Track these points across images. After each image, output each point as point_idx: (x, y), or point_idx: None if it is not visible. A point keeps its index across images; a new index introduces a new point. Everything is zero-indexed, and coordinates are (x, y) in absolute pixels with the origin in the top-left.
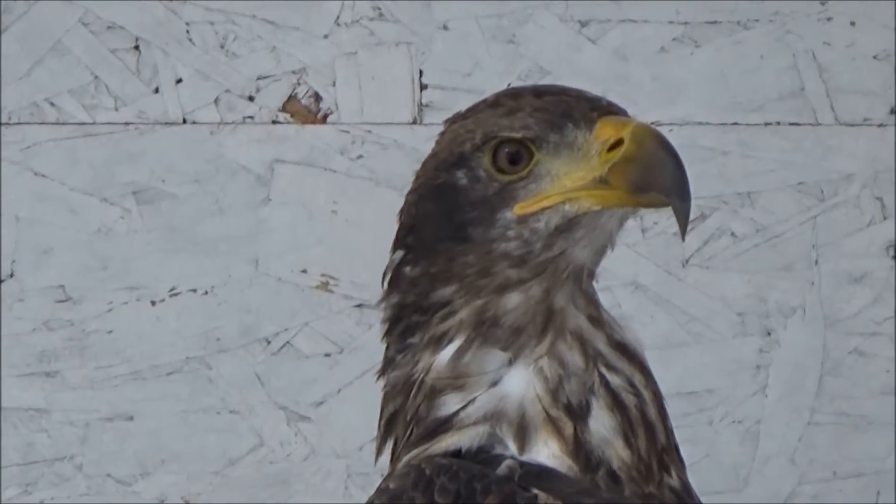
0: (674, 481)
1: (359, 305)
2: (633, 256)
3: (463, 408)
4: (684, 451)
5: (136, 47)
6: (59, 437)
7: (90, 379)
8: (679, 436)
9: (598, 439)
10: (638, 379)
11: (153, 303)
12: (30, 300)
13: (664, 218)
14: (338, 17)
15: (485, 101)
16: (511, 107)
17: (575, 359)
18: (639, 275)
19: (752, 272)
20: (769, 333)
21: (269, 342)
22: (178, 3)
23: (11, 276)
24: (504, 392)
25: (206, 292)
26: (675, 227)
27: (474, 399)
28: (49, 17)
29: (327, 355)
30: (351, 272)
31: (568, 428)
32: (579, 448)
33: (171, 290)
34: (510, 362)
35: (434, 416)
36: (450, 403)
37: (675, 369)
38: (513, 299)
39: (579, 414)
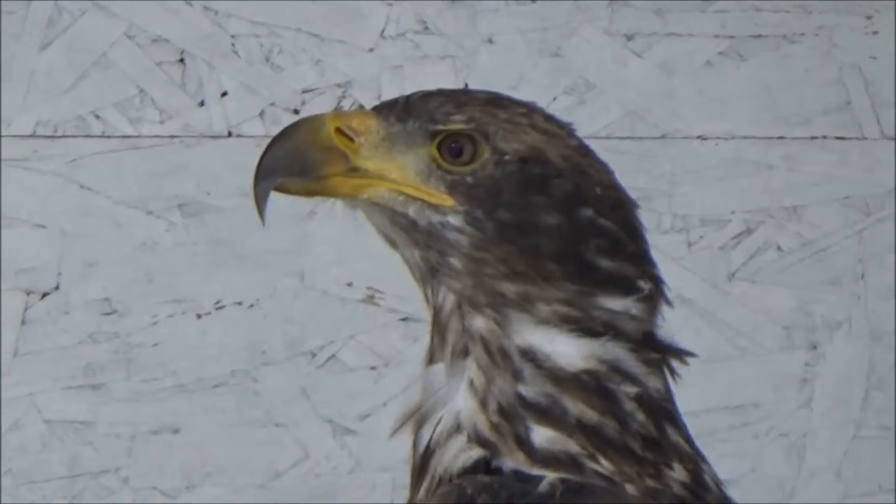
0: (678, 475)
1: (404, 319)
2: (679, 270)
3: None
4: (729, 465)
5: (182, 60)
6: (104, 450)
7: (136, 392)
8: (724, 449)
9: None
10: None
11: (199, 316)
12: (75, 313)
13: (711, 232)
14: (383, 31)
15: None
16: None
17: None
18: (684, 289)
19: (798, 286)
20: (815, 347)
21: (314, 355)
22: (223, 16)
23: (57, 288)
24: (456, 408)
25: (252, 305)
26: (721, 242)
27: (440, 420)
28: (94, 30)
29: (373, 368)
30: (397, 285)
31: (510, 432)
32: (533, 451)
33: (217, 303)
34: (448, 375)
35: (417, 454)
36: (424, 436)
37: (721, 383)
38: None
39: (515, 415)
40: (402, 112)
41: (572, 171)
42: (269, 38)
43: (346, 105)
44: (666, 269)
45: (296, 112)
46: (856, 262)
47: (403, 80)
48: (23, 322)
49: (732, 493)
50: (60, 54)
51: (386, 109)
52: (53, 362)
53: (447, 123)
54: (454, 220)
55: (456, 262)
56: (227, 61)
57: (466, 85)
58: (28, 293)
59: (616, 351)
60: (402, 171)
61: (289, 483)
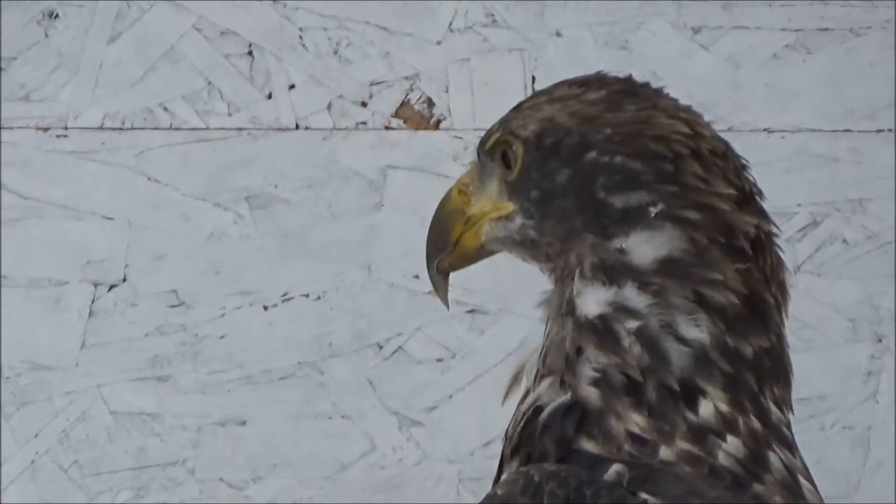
0: (730, 447)
1: (471, 311)
2: None
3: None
4: None
5: (250, 53)
6: (171, 442)
7: (203, 383)
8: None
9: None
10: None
11: (265, 308)
12: (142, 305)
13: (777, 224)
14: (451, 23)
15: None
16: None
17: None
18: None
19: (864, 279)
20: (881, 340)
21: (381, 347)
22: (291, 9)
23: (124, 280)
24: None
25: (319, 297)
26: (788, 234)
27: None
28: (162, 23)
29: (439, 360)
30: (463, 278)
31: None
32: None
33: (284, 295)
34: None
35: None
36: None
37: None
38: None
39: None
40: (480, 146)
41: (579, 123)
42: (337, 30)
43: (414, 98)
44: None
45: (363, 105)
46: None
47: (471, 73)
48: (90, 314)
49: None
50: (129, 47)
51: (478, 148)
52: (120, 354)
53: (489, 139)
54: (518, 219)
55: (534, 256)
56: (294, 54)
57: (534, 78)
58: (96, 285)
59: (622, 294)
60: (490, 200)
61: (355, 475)
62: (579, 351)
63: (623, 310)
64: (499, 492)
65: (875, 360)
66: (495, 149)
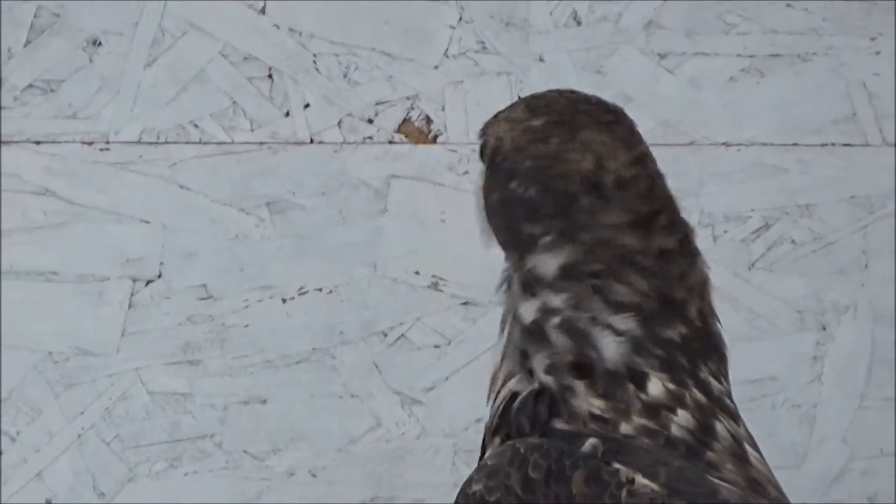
0: (681, 419)
1: (465, 303)
2: (706, 261)
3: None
4: (750, 431)
5: (270, 76)
6: (201, 419)
7: (229, 367)
8: (745, 418)
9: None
10: None
11: (284, 300)
12: (175, 298)
13: (733, 227)
14: (447, 50)
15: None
16: None
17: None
18: (711, 277)
19: (810, 275)
20: (824, 329)
21: (385, 335)
22: (306, 37)
23: (159, 276)
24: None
25: (331, 291)
26: (742, 236)
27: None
28: (193, 49)
29: (437, 347)
30: (458, 274)
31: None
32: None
33: (300, 289)
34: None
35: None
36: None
37: (742, 360)
38: None
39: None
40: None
41: (513, 150)
42: (346, 56)
43: (414, 116)
44: None
45: (370, 122)
46: (860, 254)
47: (465, 94)
48: (129, 306)
49: None
50: (163, 71)
51: None
52: (156, 341)
53: (479, 141)
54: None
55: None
56: (309, 77)
57: (519, 97)
58: (134, 281)
59: (544, 298)
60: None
61: (363, 447)
62: (525, 354)
63: (548, 311)
64: (489, 462)
65: (820, 347)
66: (480, 153)
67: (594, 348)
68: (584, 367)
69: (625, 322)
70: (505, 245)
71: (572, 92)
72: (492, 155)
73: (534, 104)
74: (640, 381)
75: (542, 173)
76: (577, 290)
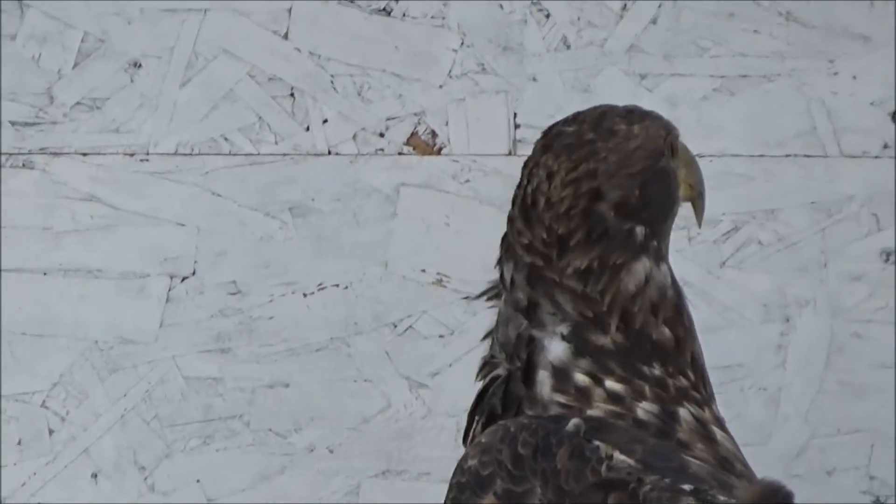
0: (647, 406)
1: (466, 297)
2: (682, 260)
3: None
4: (721, 412)
5: (292, 94)
6: (231, 400)
7: (255, 355)
8: (717, 400)
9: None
10: None
11: (304, 295)
12: (208, 293)
13: (706, 229)
14: (450, 71)
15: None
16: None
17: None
18: (686, 274)
19: (775, 272)
20: (788, 320)
21: (395, 326)
22: (324, 60)
23: (194, 274)
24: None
25: (346, 287)
26: (714, 237)
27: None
28: (223, 71)
29: (441, 337)
30: (460, 271)
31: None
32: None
33: (319, 285)
34: None
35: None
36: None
37: (714, 349)
38: None
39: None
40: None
41: (533, 154)
42: (360, 77)
43: (421, 130)
44: (672, 259)
45: (381, 135)
46: (820, 254)
47: (466, 111)
48: (167, 300)
49: None
50: (196, 90)
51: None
52: (191, 332)
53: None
54: None
55: None
56: (327, 95)
57: (515, 114)
58: (171, 277)
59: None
60: None
61: (375, 426)
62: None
63: (511, 318)
64: (482, 440)
65: (784, 336)
66: None
67: (541, 352)
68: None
69: (566, 329)
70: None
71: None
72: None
73: (557, 129)
74: (599, 381)
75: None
76: (536, 303)
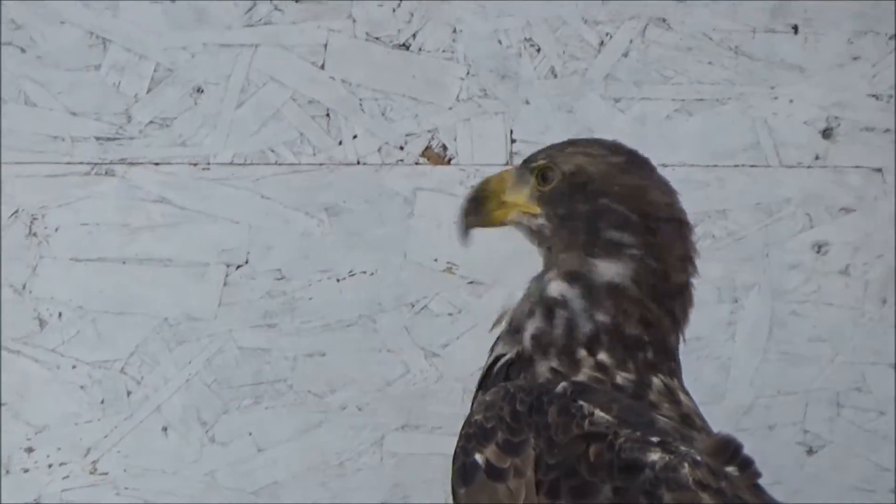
0: (626, 375)
1: (471, 282)
2: None
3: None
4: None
5: (327, 115)
6: (277, 367)
7: (297, 329)
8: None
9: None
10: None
11: (338, 280)
12: (258, 279)
13: None
14: (458, 96)
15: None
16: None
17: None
18: None
19: (726, 262)
20: (736, 301)
21: (413, 306)
22: (354, 86)
23: (246, 262)
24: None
25: (372, 274)
26: None
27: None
28: (271, 95)
29: (450, 315)
30: (466, 261)
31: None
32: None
33: (350, 272)
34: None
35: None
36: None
37: None
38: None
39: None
40: (521, 164)
41: (600, 176)
42: (383, 100)
43: (434, 144)
44: None
45: (401, 148)
46: (763, 246)
47: (471, 128)
48: (224, 284)
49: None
50: (250, 111)
51: (524, 161)
52: (244, 310)
53: (536, 161)
54: (540, 220)
55: (543, 247)
56: (356, 115)
57: (511, 131)
58: (228, 266)
59: (571, 292)
60: (522, 198)
61: (396, 389)
62: (531, 313)
63: (563, 303)
64: (486, 398)
65: (733, 314)
66: (537, 169)
67: (573, 331)
68: (557, 342)
69: (602, 314)
70: (573, 242)
71: (613, 141)
72: (571, 177)
73: (607, 145)
74: (594, 351)
75: (632, 197)
76: (605, 305)
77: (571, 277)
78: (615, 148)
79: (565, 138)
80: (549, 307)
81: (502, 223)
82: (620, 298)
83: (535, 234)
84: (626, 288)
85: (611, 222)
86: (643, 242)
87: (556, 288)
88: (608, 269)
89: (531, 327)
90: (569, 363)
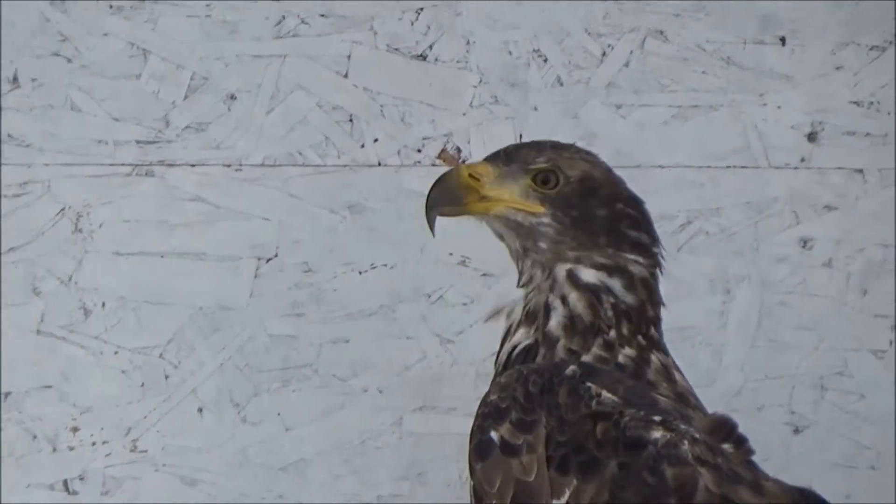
0: (627, 352)
1: (484, 274)
2: None
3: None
4: (678, 363)
5: (350, 120)
6: (303, 352)
7: (323, 317)
8: (675, 354)
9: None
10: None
11: (360, 273)
12: (287, 271)
13: (665, 223)
14: (471, 102)
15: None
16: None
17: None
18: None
19: (718, 256)
20: (728, 292)
21: (429, 296)
22: (375, 93)
23: (276, 256)
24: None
25: (392, 267)
26: (672, 229)
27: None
28: (299, 102)
29: (464, 304)
30: (479, 254)
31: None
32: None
33: (371, 264)
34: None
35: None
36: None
37: (673, 314)
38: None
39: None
40: (505, 160)
41: (608, 183)
42: (402, 106)
43: (449, 147)
44: None
45: (419, 151)
46: (753, 241)
47: (483, 132)
48: (255, 276)
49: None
50: (279, 116)
51: (494, 158)
52: (274, 300)
53: (537, 164)
54: (545, 219)
55: (543, 244)
56: (377, 120)
57: (521, 135)
58: (258, 259)
59: (611, 281)
60: (511, 195)
61: (414, 373)
62: (563, 299)
63: (608, 290)
64: (501, 380)
65: (725, 304)
66: (536, 171)
67: (618, 315)
68: (587, 325)
69: (632, 297)
70: (595, 242)
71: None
72: (579, 182)
73: (586, 150)
74: (603, 330)
75: (635, 203)
76: (637, 290)
77: (605, 268)
78: (593, 154)
79: (570, 142)
80: (594, 292)
81: (483, 216)
82: (648, 287)
83: (525, 230)
84: (650, 276)
85: (629, 224)
86: (654, 240)
87: (591, 276)
88: (636, 264)
89: (558, 314)
90: (583, 343)
